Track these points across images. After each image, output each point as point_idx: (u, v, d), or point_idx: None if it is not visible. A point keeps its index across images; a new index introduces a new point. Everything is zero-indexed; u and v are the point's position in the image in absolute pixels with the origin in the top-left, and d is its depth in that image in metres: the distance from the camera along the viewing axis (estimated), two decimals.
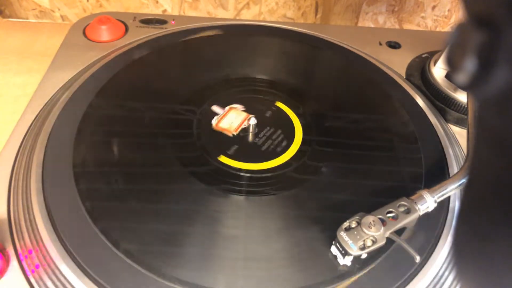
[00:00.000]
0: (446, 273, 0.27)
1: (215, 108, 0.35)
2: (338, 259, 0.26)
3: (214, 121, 0.35)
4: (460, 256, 0.16)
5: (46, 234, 0.26)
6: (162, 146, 0.33)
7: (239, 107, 0.35)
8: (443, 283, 0.26)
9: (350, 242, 0.24)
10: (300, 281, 0.25)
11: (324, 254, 0.26)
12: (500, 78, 0.11)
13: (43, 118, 0.34)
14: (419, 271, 0.26)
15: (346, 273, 0.25)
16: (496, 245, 0.13)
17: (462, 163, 0.30)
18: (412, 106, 0.38)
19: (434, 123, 0.36)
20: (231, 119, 0.34)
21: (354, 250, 0.24)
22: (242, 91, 0.39)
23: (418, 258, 0.24)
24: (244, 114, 0.35)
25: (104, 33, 0.44)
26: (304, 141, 0.34)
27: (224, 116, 0.34)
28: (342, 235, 0.25)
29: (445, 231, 0.28)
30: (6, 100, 0.41)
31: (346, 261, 0.25)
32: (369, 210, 0.26)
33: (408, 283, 0.26)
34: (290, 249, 0.27)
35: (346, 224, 0.25)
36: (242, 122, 0.34)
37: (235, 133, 0.34)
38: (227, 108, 0.36)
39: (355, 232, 0.25)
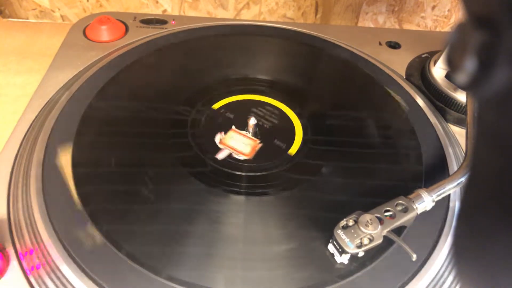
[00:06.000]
0: (446, 273, 0.27)
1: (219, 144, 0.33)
2: (335, 257, 0.26)
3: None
4: (460, 256, 0.16)
5: (46, 234, 0.26)
6: (162, 146, 0.33)
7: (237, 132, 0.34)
8: (443, 283, 0.26)
9: (347, 240, 0.24)
10: (300, 281, 0.25)
11: (324, 254, 0.26)
12: (500, 78, 0.11)
13: (43, 118, 0.34)
14: (419, 271, 0.26)
15: (346, 273, 0.25)
16: (496, 245, 0.13)
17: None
18: (412, 106, 0.38)
19: (434, 123, 0.36)
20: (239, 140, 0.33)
21: (351, 248, 0.24)
22: (242, 91, 0.39)
23: (414, 257, 0.24)
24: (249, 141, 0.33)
25: (104, 33, 0.44)
26: (304, 141, 0.34)
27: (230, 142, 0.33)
28: (339, 233, 0.25)
29: (445, 231, 0.28)
30: (6, 100, 0.41)
31: (343, 259, 0.25)
32: (369, 209, 0.26)
33: (408, 283, 0.26)
34: (290, 249, 0.27)
35: (343, 222, 0.25)
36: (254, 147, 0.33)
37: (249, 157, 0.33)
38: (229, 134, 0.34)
39: (352, 230, 0.25)
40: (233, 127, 0.35)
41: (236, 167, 0.32)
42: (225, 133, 0.34)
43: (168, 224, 0.27)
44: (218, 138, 0.34)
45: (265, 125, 0.36)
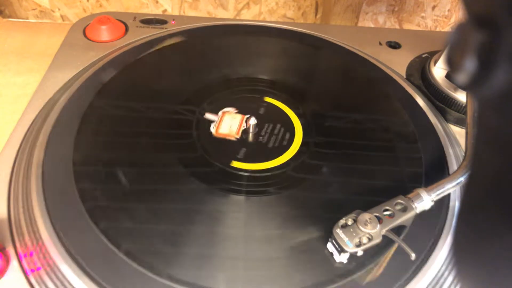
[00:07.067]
0: (446, 273, 0.27)
1: (209, 116, 0.34)
2: (334, 256, 0.26)
3: (212, 129, 0.34)
4: (460, 256, 0.16)
5: (46, 234, 0.26)
6: (162, 146, 0.33)
7: (231, 110, 0.35)
8: (443, 283, 0.26)
9: (346, 239, 0.24)
10: (300, 281, 0.25)
11: (324, 254, 0.26)
12: (500, 78, 0.11)
13: (43, 118, 0.34)
14: (419, 271, 0.26)
15: (346, 273, 0.25)
16: (496, 244, 0.13)
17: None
18: (412, 106, 0.38)
19: (434, 123, 0.36)
20: (228, 123, 0.34)
21: (350, 247, 0.24)
22: (242, 91, 0.39)
23: (413, 256, 0.24)
24: (239, 116, 0.35)
25: (104, 33, 0.44)
26: (304, 141, 0.34)
27: (220, 121, 0.34)
28: (338, 232, 0.25)
29: (445, 231, 0.28)
30: (6, 100, 0.41)
31: (342, 258, 0.25)
32: (369, 209, 0.26)
33: (408, 283, 0.26)
34: (290, 249, 0.27)
35: (342, 221, 0.25)
36: (241, 124, 0.34)
37: (237, 136, 0.34)
38: (220, 113, 0.36)
39: (351, 229, 0.25)
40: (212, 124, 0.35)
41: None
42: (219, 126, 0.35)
43: (169, 224, 0.27)
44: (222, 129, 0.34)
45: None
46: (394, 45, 0.47)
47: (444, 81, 0.39)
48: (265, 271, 0.25)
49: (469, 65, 0.12)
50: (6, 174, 0.31)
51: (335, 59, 0.44)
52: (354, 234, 0.24)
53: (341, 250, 0.25)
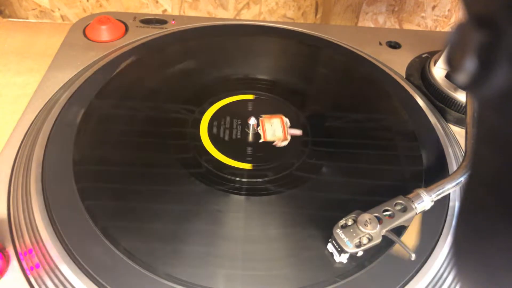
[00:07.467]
0: (446, 273, 0.27)
1: (293, 132, 0.34)
2: (334, 257, 0.26)
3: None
4: (460, 256, 0.16)
5: (46, 234, 0.26)
6: (162, 146, 0.33)
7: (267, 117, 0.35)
8: (443, 283, 0.26)
9: (346, 239, 0.24)
10: (300, 281, 0.25)
11: (324, 254, 0.26)
12: (500, 77, 0.11)
13: (43, 118, 0.34)
14: (419, 271, 0.26)
15: (345, 273, 0.25)
16: (495, 244, 0.13)
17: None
18: (412, 106, 0.38)
19: (434, 123, 0.36)
20: (272, 128, 0.34)
21: (350, 247, 0.24)
22: (242, 91, 0.39)
23: (413, 256, 0.24)
24: (278, 120, 0.35)
25: (104, 33, 0.44)
26: (304, 141, 0.34)
27: (263, 127, 0.34)
28: (338, 232, 0.25)
29: (445, 231, 0.28)
30: (6, 100, 0.41)
31: (342, 258, 0.25)
32: (369, 209, 0.26)
33: (408, 283, 0.26)
34: (290, 249, 0.27)
35: (342, 222, 0.25)
36: (284, 127, 0.34)
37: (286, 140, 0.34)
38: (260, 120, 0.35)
39: (351, 230, 0.25)
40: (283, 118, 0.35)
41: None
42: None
43: (169, 223, 0.28)
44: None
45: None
46: (394, 45, 0.47)
47: (444, 81, 0.39)
48: (265, 271, 0.25)
49: (469, 65, 0.12)
50: (6, 174, 0.31)
51: (335, 59, 0.44)
52: (354, 235, 0.24)
53: (341, 250, 0.25)
